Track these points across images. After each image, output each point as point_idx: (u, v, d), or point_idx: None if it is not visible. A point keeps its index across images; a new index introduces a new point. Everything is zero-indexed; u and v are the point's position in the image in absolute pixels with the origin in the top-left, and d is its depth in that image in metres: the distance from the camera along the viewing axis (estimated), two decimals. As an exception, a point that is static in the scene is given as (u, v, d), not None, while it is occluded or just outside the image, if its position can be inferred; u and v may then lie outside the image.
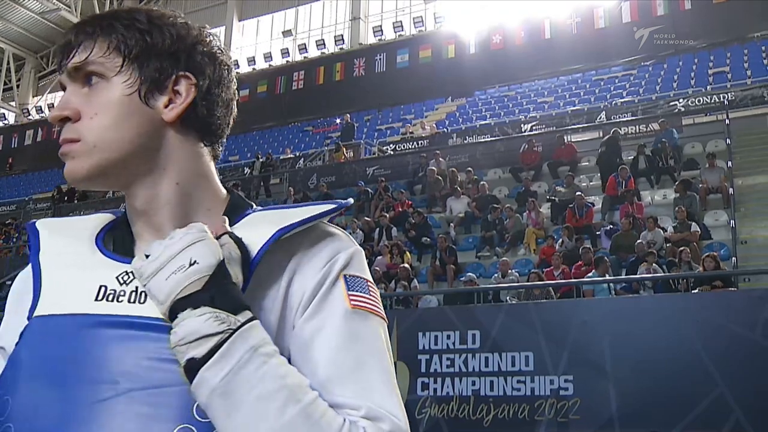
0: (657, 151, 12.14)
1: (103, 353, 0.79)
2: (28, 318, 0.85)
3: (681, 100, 16.37)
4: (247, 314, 0.76)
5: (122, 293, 0.82)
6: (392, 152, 18.59)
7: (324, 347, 0.81)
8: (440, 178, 13.73)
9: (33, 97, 36.15)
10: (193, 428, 0.76)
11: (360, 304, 0.85)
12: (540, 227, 11.16)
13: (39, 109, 35.04)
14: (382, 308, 0.88)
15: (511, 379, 7.16)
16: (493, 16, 23.99)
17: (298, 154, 20.90)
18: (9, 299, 0.94)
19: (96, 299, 0.82)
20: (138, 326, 0.79)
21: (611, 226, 10.55)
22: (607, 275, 8.81)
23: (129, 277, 0.83)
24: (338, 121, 23.58)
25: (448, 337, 7.62)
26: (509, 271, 9.78)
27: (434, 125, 20.52)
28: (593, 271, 8.92)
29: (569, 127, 15.75)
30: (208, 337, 0.73)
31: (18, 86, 35.97)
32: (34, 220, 0.97)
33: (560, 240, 10.35)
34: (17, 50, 34.90)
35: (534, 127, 17.24)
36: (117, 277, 0.83)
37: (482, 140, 16.96)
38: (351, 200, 0.95)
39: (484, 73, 22.67)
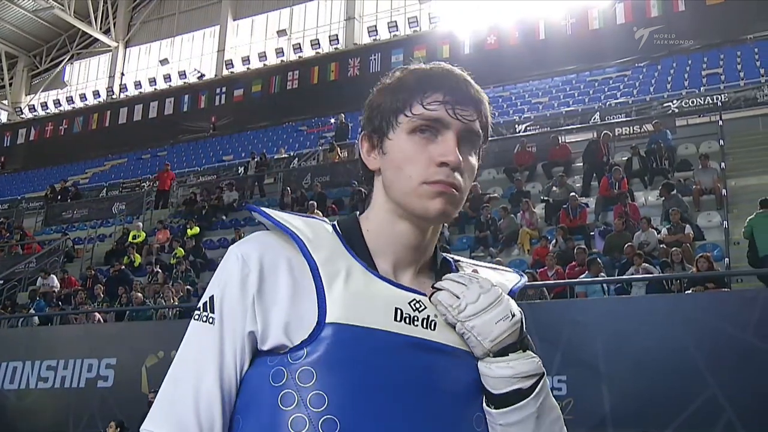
0: (651, 152, 12.18)
1: (415, 368, 0.93)
2: (320, 321, 0.91)
3: (675, 102, 16.43)
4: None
5: (416, 318, 0.95)
6: (386, 152, 18.54)
7: None
8: (434, 178, 13.69)
9: (26, 95, 35.99)
10: None
11: None
12: (534, 228, 11.17)
13: (32, 108, 34.89)
14: None
15: (505, 379, 7.16)
16: (488, 17, 24.02)
17: (292, 153, 20.88)
18: (245, 281, 0.94)
19: (395, 319, 0.94)
20: (436, 349, 0.95)
21: (605, 227, 10.57)
22: (602, 275, 8.83)
23: (421, 305, 0.96)
24: (333, 120, 23.54)
25: (442, 337, 7.62)
26: (503, 271, 9.77)
27: (429, 125, 20.48)
28: (587, 272, 8.94)
29: (563, 128, 15.78)
30: (534, 375, 0.96)
31: (11, 85, 35.81)
32: (267, 210, 1.00)
33: (554, 240, 10.37)
34: (10, 48, 34.74)
35: (528, 128, 17.26)
36: (409, 303, 0.96)
37: (476, 140, 16.94)
38: (525, 279, 1.16)
39: (479, 73, 21.74)
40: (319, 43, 27.84)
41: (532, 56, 22.23)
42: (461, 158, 0.98)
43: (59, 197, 20.77)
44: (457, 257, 1.12)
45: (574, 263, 9.42)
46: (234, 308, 0.93)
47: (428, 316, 0.95)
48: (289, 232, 0.96)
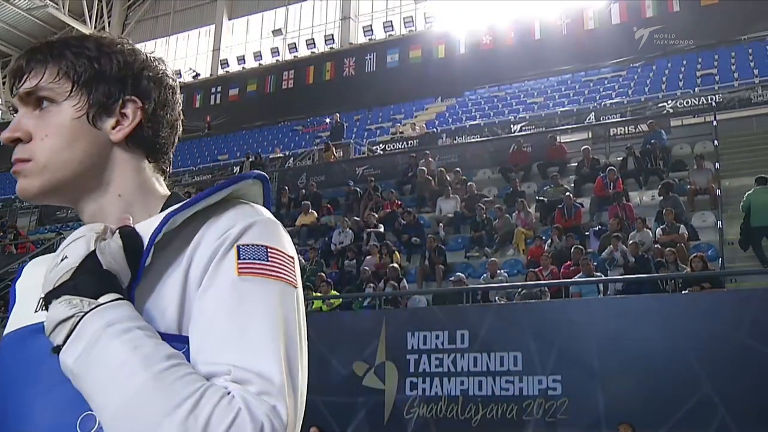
0: (646, 152, 12.21)
1: (32, 357, 0.86)
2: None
3: (669, 102, 16.48)
4: (111, 296, 0.79)
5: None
6: (382, 152, 18.59)
7: (206, 317, 0.82)
8: (430, 178, 13.74)
9: (20, 94, 35.87)
10: (94, 413, 0.79)
11: (250, 271, 0.83)
12: (529, 227, 11.19)
13: (26, 107, 34.82)
14: (290, 273, 0.87)
15: (500, 379, 7.18)
16: (484, 17, 24.03)
17: (287, 153, 20.85)
18: None
19: (35, 311, 0.90)
20: (41, 329, 0.84)
21: (600, 227, 10.59)
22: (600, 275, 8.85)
23: None
24: (328, 120, 23.52)
25: (437, 337, 7.64)
26: (498, 271, 9.80)
27: (424, 125, 20.53)
28: (581, 272, 8.96)
29: (558, 128, 15.81)
30: (63, 322, 0.78)
31: (3, 84, 35.65)
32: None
33: (548, 240, 10.39)
34: (3, 47, 34.60)
35: (523, 128, 17.29)
36: None
37: (472, 140, 17.00)
38: (253, 175, 0.94)
39: (474, 73, 22.70)
40: (314, 43, 27.81)
41: (527, 56, 22.25)
42: (18, 127, 0.91)
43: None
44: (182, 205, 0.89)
45: (569, 263, 9.43)
46: None
47: None
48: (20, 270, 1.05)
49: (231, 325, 0.80)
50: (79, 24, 32.20)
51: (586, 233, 10.55)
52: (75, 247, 0.82)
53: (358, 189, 14.16)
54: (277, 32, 29.47)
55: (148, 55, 0.99)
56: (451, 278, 10.03)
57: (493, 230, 11.39)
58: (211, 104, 28.83)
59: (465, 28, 24.31)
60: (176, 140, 1.03)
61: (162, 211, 0.93)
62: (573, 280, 8.82)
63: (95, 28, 32.96)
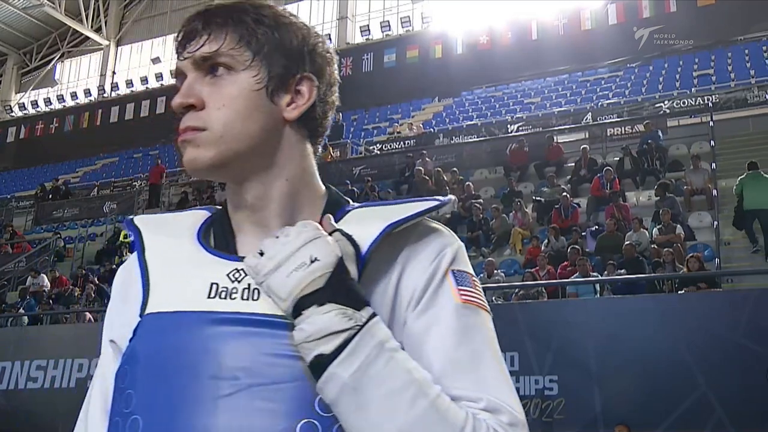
0: (642, 152, 12.23)
1: (221, 350, 0.79)
2: (141, 315, 0.86)
3: (666, 102, 16.51)
4: (370, 310, 0.78)
5: (234, 290, 0.82)
6: (379, 152, 18.58)
7: (438, 342, 0.82)
8: (427, 178, 13.74)
9: (16, 93, 35.76)
10: (316, 422, 0.77)
11: (469, 299, 0.86)
12: (526, 228, 11.20)
13: (22, 106, 34.67)
14: (486, 302, 0.90)
15: (497, 379, 7.17)
16: (481, 17, 24.05)
17: (284, 153, 20.82)
18: (114, 292, 0.96)
19: (209, 296, 0.83)
20: (253, 323, 0.80)
21: (597, 227, 10.60)
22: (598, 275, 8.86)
23: (240, 275, 0.83)
24: (325, 120, 23.51)
25: (434, 337, 7.62)
26: (495, 271, 9.80)
27: (421, 125, 20.54)
28: (578, 272, 8.97)
29: (555, 128, 15.83)
30: (337, 333, 0.74)
31: (0, 83, 35.58)
32: (131, 217, 0.98)
33: (545, 240, 10.39)
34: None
35: (520, 128, 17.30)
36: (228, 275, 0.84)
37: (469, 140, 17.01)
38: (452, 197, 0.94)
39: (471, 73, 22.72)
40: (311, 43, 27.82)
41: (524, 56, 22.28)
42: (190, 92, 0.86)
43: (50, 196, 20.65)
44: (367, 203, 0.94)
45: (566, 263, 9.44)
46: (105, 322, 0.96)
47: (249, 285, 0.82)
48: (132, 232, 0.94)
49: (463, 352, 0.82)
50: (75, 23, 32.14)
51: (583, 233, 10.56)
52: (322, 249, 0.78)
53: (355, 189, 14.16)
54: (274, 32, 29.47)
55: (316, 31, 0.94)
56: (448, 278, 10.00)
57: (490, 230, 11.39)
58: (208, 104, 28.77)
59: (462, 28, 24.32)
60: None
61: (327, 208, 0.91)
62: (570, 280, 8.83)
63: (91, 27, 32.92)
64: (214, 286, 0.83)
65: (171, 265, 0.88)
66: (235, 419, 0.77)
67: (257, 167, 0.88)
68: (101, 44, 33.77)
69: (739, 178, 9.95)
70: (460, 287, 0.85)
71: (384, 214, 0.86)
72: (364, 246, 0.82)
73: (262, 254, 0.79)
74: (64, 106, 33.22)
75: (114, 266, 13.65)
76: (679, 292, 7.98)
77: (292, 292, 0.76)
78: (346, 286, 0.77)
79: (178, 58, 0.89)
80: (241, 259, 0.85)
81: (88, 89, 33.08)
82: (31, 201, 21.56)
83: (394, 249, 0.86)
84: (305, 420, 0.76)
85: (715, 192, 10.41)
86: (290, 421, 0.76)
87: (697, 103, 15.93)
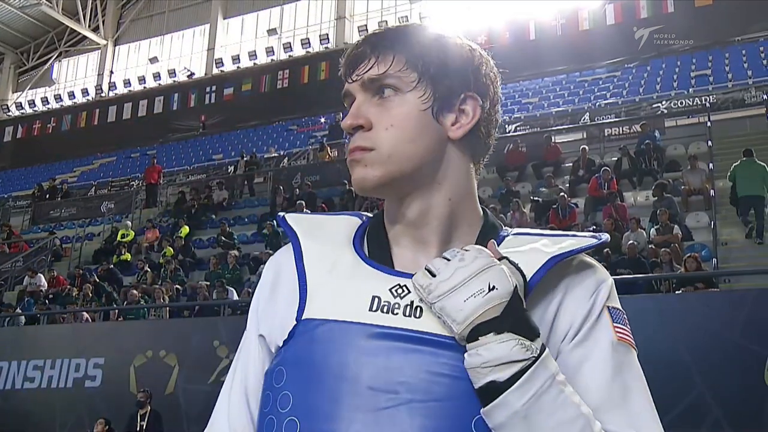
0: (640, 152, 12.24)
1: (382, 363, 0.82)
2: (297, 319, 0.88)
3: (664, 102, 16.52)
4: (541, 341, 0.80)
5: (397, 306, 0.85)
6: (377, 152, 18.55)
7: (594, 376, 0.85)
8: (425, 178, 13.72)
9: (13, 93, 35.68)
10: None
11: (624, 337, 0.89)
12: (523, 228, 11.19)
13: (19, 106, 34.60)
14: (633, 340, 0.92)
15: (494, 378, 7.17)
16: (479, 17, 24.05)
17: (282, 153, 20.83)
18: (263, 283, 0.99)
19: (370, 309, 0.85)
20: (415, 340, 0.82)
21: (594, 227, 10.60)
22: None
23: (404, 291, 0.86)
24: (323, 120, 23.51)
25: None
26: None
27: (419, 125, 20.51)
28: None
29: (553, 128, 15.83)
30: (514, 363, 0.77)
31: (-3, 81, 35.50)
32: (283, 214, 1.01)
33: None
34: (-3, 45, 34.46)
35: (518, 128, 17.31)
36: (390, 290, 0.86)
37: (466, 140, 16.98)
38: (607, 236, 0.98)
39: (469, 73, 22.70)
40: (309, 43, 27.78)
41: (522, 56, 22.25)
42: (359, 113, 0.89)
43: (47, 196, 20.61)
44: (520, 230, 0.96)
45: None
46: (252, 314, 0.98)
47: (412, 302, 0.84)
48: (288, 232, 0.96)
49: (617, 388, 0.85)
50: (73, 23, 32.10)
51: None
52: (500, 278, 0.79)
53: (353, 189, 14.13)
54: (272, 32, 29.42)
55: (482, 50, 0.96)
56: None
57: (487, 230, 11.38)
58: (206, 104, 28.76)
59: (460, 28, 24.25)
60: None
61: (483, 230, 0.93)
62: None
63: (89, 26, 32.87)
64: (376, 300, 0.85)
65: (331, 272, 0.90)
66: None
67: (421, 185, 0.90)
68: (99, 44, 33.71)
69: (733, 165, 10.20)
70: (616, 324, 0.89)
71: (544, 245, 0.89)
72: (529, 276, 0.85)
73: (431, 273, 0.81)
74: (61, 105, 33.16)
75: (111, 266, 13.64)
76: (677, 292, 7.99)
77: (469, 317, 0.78)
78: (522, 316, 0.80)
79: (346, 80, 0.93)
80: (402, 274, 0.87)
81: (86, 89, 33.02)
82: (28, 201, 21.52)
83: (552, 281, 0.88)
84: None
85: (712, 192, 10.42)
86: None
87: (694, 103, 15.94)
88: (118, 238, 15.16)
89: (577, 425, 0.77)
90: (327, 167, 16.80)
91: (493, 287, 0.78)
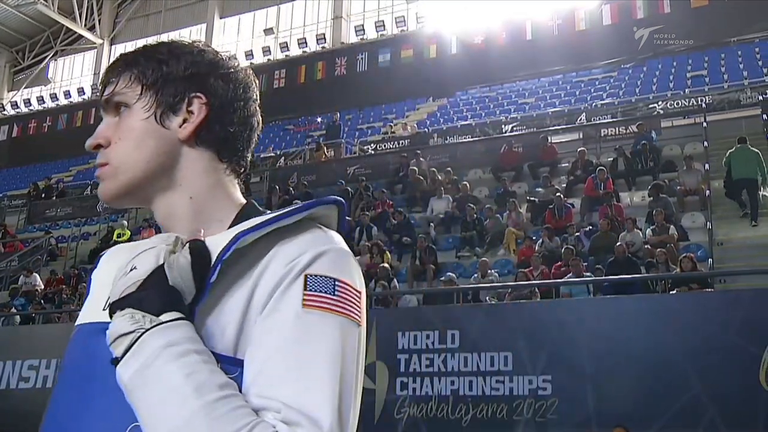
0: (636, 153, 12.26)
1: (96, 355, 0.86)
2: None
3: (660, 103, 16.55)
4: (173, 314, 0.79)
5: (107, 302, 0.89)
6: (373, 152, 18.58)
7: (266, 347, 0.81)
8: (421, 178, 13.74)
9: (8, 92, 35.57)
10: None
11: (316, 304, 0.82)
12: (520, 228, 11.21)
13: (14, 105, 34.49)
14: (355, 309, 0.86)
15: (490, 379, 7.19)
16: (475, 17, 24.05)
17: (278, 152, 20.80)
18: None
19: (103, 309, 0.87)
20: (102, 331, 0.84)
21: (590, 227, 10.62)
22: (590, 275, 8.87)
23: None
24: (319, 120, 23.48)
25: (428, 336, 7.63)
26: (489, 271, 9.81)
27: (415, 125, 20.53)
28: (572, 273, 8.98)
29: (550, 128, 15.84)
30: (124, 336, 0.78)
31: (-7, 80, 35.38)
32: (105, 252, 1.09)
33: (540, 240, 10.40)
34: (-7, 44, 34.35)
35: (515, 128, 17.32)
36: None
37: (463, 140, 17.02)
38: (335, 199, 0.94)
39: (466, 73, 22.71)
40: (306, 42, 27.76)
41: (519, 56, 22.29)
42: (98, 134, 0.95)
43: (43, 195, 20.56)
44: (275, 213, 0.90)
45: (559, 263, 9.46)
46: None
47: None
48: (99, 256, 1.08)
49: (289, 360, 0.79)
50: (68, 21, 32.01)
51: (577, 234, 10.58)
52: (145, 259, 0.82)
53: (349, 188, 14.14)
54: (268, 31, 29.38)
55: (220, 53, 1.01)
56: (441, 278, 10.03)
57: (483, 230, 11.40)
58: (202, 103, 28.71)
59: (457, 28, 24.33)
60: (254, 138, 1.01)
61: (236, 221, 0.92)
62: (563, 280, 8.84)
63: (85, 25, 32.80)
64: (109, 298, 0.86)
65: (99, 278, 1.01)
66: (95, 420, 0.84)
67: (160, 188, 0.95)
68: (95, 43, 33.63)
69: (728, 152, 10.66)
70: (310, 292, 0.82)
71: (255, 221, 0.87)
72: (215, 253, 0.84)
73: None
74: (57, 104, 33.06)
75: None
76: (672, 292, 8.00)
77: (111, 297, 0.82)
78: (153, 291, 0.79)
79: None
80: None
81: (82, 88, 32.93)
82: (23, 200, 21.46)
83: (259, 255, 0.85)
84: (134, 424, 0.78)
85: (708, 192, 10.45)
86: (122, 424, 0.80)
87: (690, 104, 15.98)
88: (114, 237, 15.12)
89: (181, 393, 0.74)
90: (323, 167, 16.80)
91: (134, 267, 0.82)
